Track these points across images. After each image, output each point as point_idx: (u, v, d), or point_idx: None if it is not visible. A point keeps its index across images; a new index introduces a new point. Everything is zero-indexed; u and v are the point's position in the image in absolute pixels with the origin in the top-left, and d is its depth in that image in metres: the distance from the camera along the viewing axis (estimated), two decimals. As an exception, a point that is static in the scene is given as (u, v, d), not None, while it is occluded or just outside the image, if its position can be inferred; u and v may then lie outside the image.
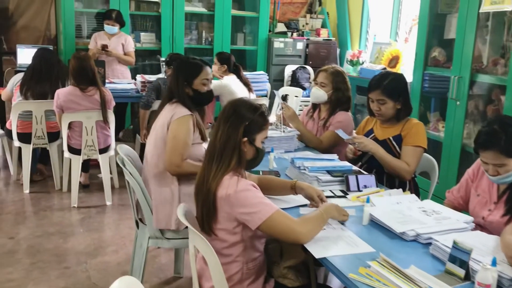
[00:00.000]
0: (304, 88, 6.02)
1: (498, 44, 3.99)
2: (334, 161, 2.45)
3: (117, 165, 4.43)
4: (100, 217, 3.80)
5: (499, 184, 2.01)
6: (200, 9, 6.17)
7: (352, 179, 2.25)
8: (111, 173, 4.22)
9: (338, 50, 6.56)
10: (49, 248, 3.23)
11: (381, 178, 2.60)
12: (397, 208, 1.92)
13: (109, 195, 4.04)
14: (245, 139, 1.76)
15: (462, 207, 2.21)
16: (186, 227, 1.74)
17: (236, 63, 4.86)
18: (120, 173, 4.37)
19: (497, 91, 3.93)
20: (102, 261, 3.11)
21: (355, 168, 2.47)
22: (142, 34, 6.01)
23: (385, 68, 5.32)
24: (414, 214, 1.87)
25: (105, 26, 5.18)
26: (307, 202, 2.04)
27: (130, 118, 5.74)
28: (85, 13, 5.78)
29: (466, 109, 3.95)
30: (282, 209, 1.91)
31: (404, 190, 2.56)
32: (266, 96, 5.75)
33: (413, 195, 2.09)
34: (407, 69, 5.29)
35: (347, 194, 2.18)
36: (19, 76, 4.18)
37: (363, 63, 5.86)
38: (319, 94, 3.11)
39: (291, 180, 2.06)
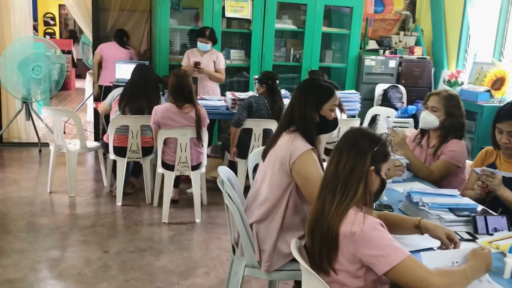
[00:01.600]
0: (396, 108, 5.74)
1: None
2: (456, 197, 2.21)
3: (207, 181, 4.49)
4: (190, 235, 3.77)
5: None
6: (290, 26, 6.10)
7: (480, 220, 2.00)
8: (200, 189, 4.21)
9: (433, 69, 6.21)
10: (141, 265, 3.23)
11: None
12: (544, 260, 1.66)
13: (199, 212, 4.02)
14: (372, 167, 1.62)
15: None
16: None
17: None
18: (209, 190, 4.40)
19: None
20: (194, 283, 3.05)
21: (480, 206, 2.21)
22: (232, 51, 6.03)
23: (489, 90, 4.93)
24: None
25: (198, 44, 5.24)
26: (432, 245, 1.83)
27: (217, 134, 5.75)
28: (178, 30, 5.91)
29: None
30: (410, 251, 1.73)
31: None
32: (355, 116, 5.55)
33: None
34: (514, 91, 4.88)
35: (476, 238, 1.94)
36: (118, 90, 4.30)
37: (462, 83, 5.49)
38: (430, 119, 2.87)
39: (415, 218, 1.86)
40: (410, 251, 1.78)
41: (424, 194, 2.19)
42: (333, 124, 2.31)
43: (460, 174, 2.86)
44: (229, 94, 4.94)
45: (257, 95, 4.44)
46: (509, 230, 2.01)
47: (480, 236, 1.96)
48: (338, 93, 4.99)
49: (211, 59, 5.26)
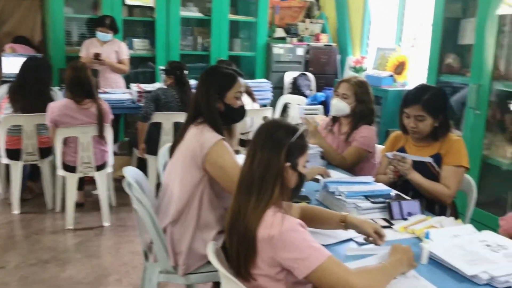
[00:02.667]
0: (305, 96, 5.79)
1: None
2: (370, 184, 2.21)
3: (115, 180, 4.20)
4: (98, 240, 3.50)
5: None
6: (195, 13, 5.90)
7: (395, 206, 2.00)
8: (108, 190, 3.92)
9: (338, 56, 6.34)
10: (45, 278, 2.93)
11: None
12: (457, 242, 1.69)
13: (107, 215, 3.74)
14: (288, 164, 1.52)
15: None
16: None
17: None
18: (118, 190, 4.11)
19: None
20: (105, 293, 2.82)
21: (394, 191, 2.23)
22: (135, 40, 5.72)
23: (392, 75, 5.12)
24: (479, 250, 1.63)
25: (98, 33, 4.88)
26: (352, 235, 1.79)
27: (124, 129, 5.44)
28: (75, 19, 5.47)
29: (486, 118, 3.75)
30: (328, 245, 1.68)
31: (444, 214, 2.35)
32: (266, 105, 5.51)
33: (470, 226, 1.85)
34: (414, 76, 5.11)
35: (392, 224, 1.93)
36: (6, 87, 3.86)
37: (366, 69, 5.65)
38: (341, 106, 2.87)
39: (339, 213, 1.80)
40: (332, 243, 1.74)
41: (340, 183, 2.16)
42: (240, 112, 2.21)
43: (371, 159, 2.90)
44: (134, 87, 4.66)
45: (165, 86, 4.22)
46: (422, 213, 2.03)
47: (396, 222, 1.96)
48: (249, 83, 4.98)
49: (113, 49, 4.93)
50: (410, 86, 5.04)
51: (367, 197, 2.09)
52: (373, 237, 1.69)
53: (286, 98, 5.61)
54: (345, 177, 2.43)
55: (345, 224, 1.75)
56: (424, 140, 2.39)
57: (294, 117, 5.35)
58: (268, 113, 4.65)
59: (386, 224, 1.93)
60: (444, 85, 4.32)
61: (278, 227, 1.43)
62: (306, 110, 5.41)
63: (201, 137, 2.06)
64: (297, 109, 5.34)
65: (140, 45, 5.78)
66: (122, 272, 3.05)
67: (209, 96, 2.11)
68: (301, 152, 1.56)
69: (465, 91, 3.96)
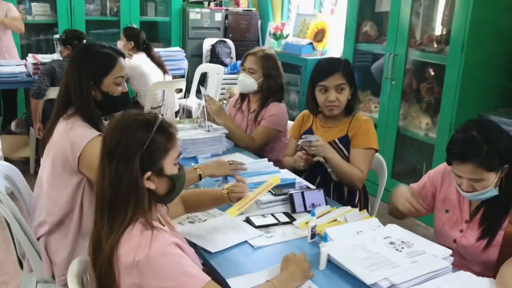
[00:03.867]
0: (225, 65, 5.50)
1: (431, 19, 3.73)
2: (272, 172, 2.00)
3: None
4: (-15, 236, 3.10)
5: (473, 200, 1.69)
6: (102, -26, 5.37)
7: (297, 197, 1.82)
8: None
9: (259, 22, 6.07)
10: None
11: (327, 186, 2.20)
12: (360, 241, 1.53)
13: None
14: (148, 173, 1.24)
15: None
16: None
17: (147, 40, 4.22)
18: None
19: (431, 69, 3.70)
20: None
21: (298, 179, 2.04)
22: (33, 4, 5.12)
23: (311, 43, 4.94)
24: (382, 250, 1.49)
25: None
26: (245, 238, 1.59)
27: (24, 105, 4.90)
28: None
29: (402, 89, 3.67)
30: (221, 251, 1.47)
31: (354, 198, 2.22)
32: (184, 76, 5.18)
33: (374, 220, 1.70)
34: (333, 44, 4.96)
35: (294, 219, 1.75)
36: None
37: (287, 36, 5.43)
38: (248, 82, 2.63)
39: (218, 189, 1.62)
40: (226, 248, 1.53)
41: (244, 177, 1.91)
42: (122, 100, 1.87)
43: (283, 137, 2.70)
44: (30, 58, 4.16)
45: (61, 58, 3.78)
46: (326, 204, 1.86)
47: (298, 216, 1.78)
48: (160, 52, 4.60)
49: (1, 13, 4.35)
50: (329, 54, 4.90)
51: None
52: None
53: (204, 67, 5.29)
54: (249, 161, 2.20)
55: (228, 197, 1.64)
56: (332, 120, 2.21)
57: (211, 88, 5.09)
58: (181, 84, 4.34)
59: (287, 219, 1.74)
60: (361, 54, 4.21)
61: (145, 250, 1.17)
62: (225, 80, 5.15)
63: (71, 134, 1.73)
64: (216, 79, 5.06)
65: (40, 9, 5.18)
66: (10, 273, 2.71)
67: (81, 83, 1.76)
68: (165, 150, 1.27)
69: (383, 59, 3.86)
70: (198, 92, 5.30)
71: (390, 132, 3.78)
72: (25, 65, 4.16)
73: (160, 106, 4.23)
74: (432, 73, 3.74)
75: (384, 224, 1.67)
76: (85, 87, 1.76)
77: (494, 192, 1.60)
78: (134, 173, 1.21)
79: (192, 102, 5.15)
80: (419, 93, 3.80)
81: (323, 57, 4.75)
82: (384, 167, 2.40)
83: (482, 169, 1.53)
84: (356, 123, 2.18)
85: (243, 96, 2.77)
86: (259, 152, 2.64)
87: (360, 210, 2.21)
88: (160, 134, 1.25)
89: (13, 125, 4.38)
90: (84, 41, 3.79)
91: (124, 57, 1.90)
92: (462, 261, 1.71)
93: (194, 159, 2.28)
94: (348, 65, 2.16)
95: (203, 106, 2.53)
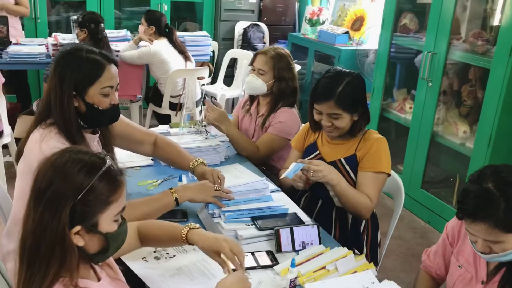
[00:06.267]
0: (256, 50, 5.22)
1: (479, 14, 3.30)
2: (262, 199, 1.75)
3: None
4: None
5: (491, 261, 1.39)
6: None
7: (284, 234, 1.57)
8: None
9: (297, 5, 5.72)
10: None
11: (329, 212, 1.95)
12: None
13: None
14: (78, 227, 1.02)
15: (443, 278, 1.59)
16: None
17: (169, 25, 4.01)
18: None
19: (475, 70, 3.29)
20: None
21: (293, 208, 1.78)
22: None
23: (347, 32, 4.57)
24: (369, 320, 1.23)
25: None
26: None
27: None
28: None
29: (439, 91, 3.30)
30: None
31: (359, 227, 1.95)
32: (210, 61, 4.95)
33: (369, 273, 1.43)
34: (372, 34, 4.57)
35: (277, 262, 1.51)
36: None
37: (323, 22, 5.08)
38: (256, 84, 2.37)
39: (183, 226, 1.37)
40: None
41: (228, 204, 1.68)
42: (110, 114, 1.65)
43: (293, 146, 2.44)
44: (51, 38, 4.05)
45: (77, 41, 3.63)
46: (320, 242, 1.61)
47: (283, 256, 1.53)
48: (185, 37, 4.38)
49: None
50: (367, 45, 4.53)
51: (254, 219, 1.65)
52: (229, 257, 1.28)
53: (233, 52, 5.05)
54: (242, 181, 1.94)
55: (186, 240, 1.35)
56: (340, 137, 1.93)
57: (239, 76, 4.84)
58: (204, 72, 4.11)
59: (268, 262, 1.50)
60: (398, 48, 3.83)
61: None
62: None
63: (42, 146, 1.53)
64: (244, 66, 4.80)
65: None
66: None
67: (62, 92, 1.55)
68: (103, 205, 1.04)
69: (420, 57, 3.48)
70: (227, 77, 5.09)
71: (423, 138, 3.43)
72: (46, 45, 4.05)
73: (180, 95, 4.04)
74: (476, 74, 3.33)
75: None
76: (66, 97, 1.55)
77: None
78: (61, 225, 0.99)
79: (219, 89, 4.93)
80: (459, 96, 3.41)
81: (358, 48, 4.42)
82: (401, 191, 2.11)
83: (499, 231, 1.24)
84: (366, 142, 1.89)
85: (252, 98, 2.51)
86: (265, 160, 2.40)
87: (366, 239, 1.98)
88: (103, 182, 1.03)
89: (34, 105, 4.32)
90: (102, 25, 3.63)
91: (116, 64, 1.67)
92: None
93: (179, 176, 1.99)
94: (349, 88, 1.82)
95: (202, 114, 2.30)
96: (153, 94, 4.11)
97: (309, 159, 1.90)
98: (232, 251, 1.30)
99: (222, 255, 1.29)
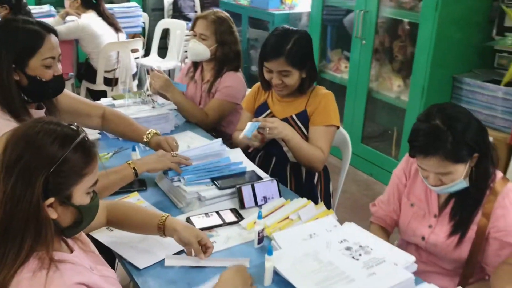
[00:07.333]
0: (188, 20, 5.13)
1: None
2: (221, 160, 1.77)
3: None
4: None
5: (441, 194, 1.50)
6: None
7: (246, 191, 1.61)
8: None
9: (226, -29, 5.64)
10: None
11: (283, 168, 2.00)
12: (312, 249, 1.34)
13: None
14: (51, 199, 0.99)
15: (395, 224, 1.69)
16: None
17: (96, -4, 3.84)
18: None
19: (404, 26, 3.45)
20: None
21: (250, 166, 1.82)
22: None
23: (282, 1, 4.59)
24: (336, 259, 1.30)
25: None
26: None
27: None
28: None
29: (372, 49, 3.43)
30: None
31: (312, 180, 2.02)
32: (142, 33, 4.81)
33: (331, 218, 1.50)
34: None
35: (242, 217, 1.54)
36: None
37: (254, -12, 5.05)
38: (199, 50, 2.35)
39: (160, 215, 1.37)
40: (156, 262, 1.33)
41: (186, 173, 1.67)
42: (54, 85, 1.59)
43: (241, 110, 2.45)
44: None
45: (-2, 19, 3.40)
46: (280, 196, 1.66)
47: (247, 212, 1.57)
48: (114, 9, 4.22)
49: None
50: (300, 8, 4.58)
51: (214, 180, 1.67)
52: (195, 248, 1.30)
53: (164, 23, 4.93)
54: (197, 144, 1.95)
55: (163, 229, 1.33)
56: (290, 94, 1.97)
57: (173, 45, 4.75)
58: (137, 44, 4.00)
59: (233, 218, 1.54)
60: (331, 8, 3.91)
61: None
62: (188, 36, 4.80)
63: None
64: (178, 36, 4.71)
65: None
66: None
67: (0, 67, 1.49)
68: (76, 177, 1.01)
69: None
70: (160, 48, 4.97)
71: (360, 94, 3.57)
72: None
73: (115, 69, 3.91)
74: (406, 30, 3.49)
75: (344, 216, 1.48)
76: (6, 71, 1.49)
77: (464, 183, 1.42)
78: (35, 198, 0.96)
79: (153, 61, 4.82)
80: (391, 52, 3.56)
81: (291, 11, 4.47)
82: (348, 144, 2.20)
83: (448, 162, 1.34)
84: (315, 97, 1.95)
85: (195, 65, 2.49)
86: (215, 126, 2.41)
87: (320, 191, 2.07)
88: (77, 155, 1.00)
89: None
90: (24, 0, 3.42)
91: (56, 34, 1.59)
92: (431, 258, 1.55)
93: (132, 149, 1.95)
94: (298, 45, 1.85)
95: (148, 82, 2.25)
96: (85, 71, 3.96)
97: (263, 118, 1.93)
98: (200, 241, 1.32)
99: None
